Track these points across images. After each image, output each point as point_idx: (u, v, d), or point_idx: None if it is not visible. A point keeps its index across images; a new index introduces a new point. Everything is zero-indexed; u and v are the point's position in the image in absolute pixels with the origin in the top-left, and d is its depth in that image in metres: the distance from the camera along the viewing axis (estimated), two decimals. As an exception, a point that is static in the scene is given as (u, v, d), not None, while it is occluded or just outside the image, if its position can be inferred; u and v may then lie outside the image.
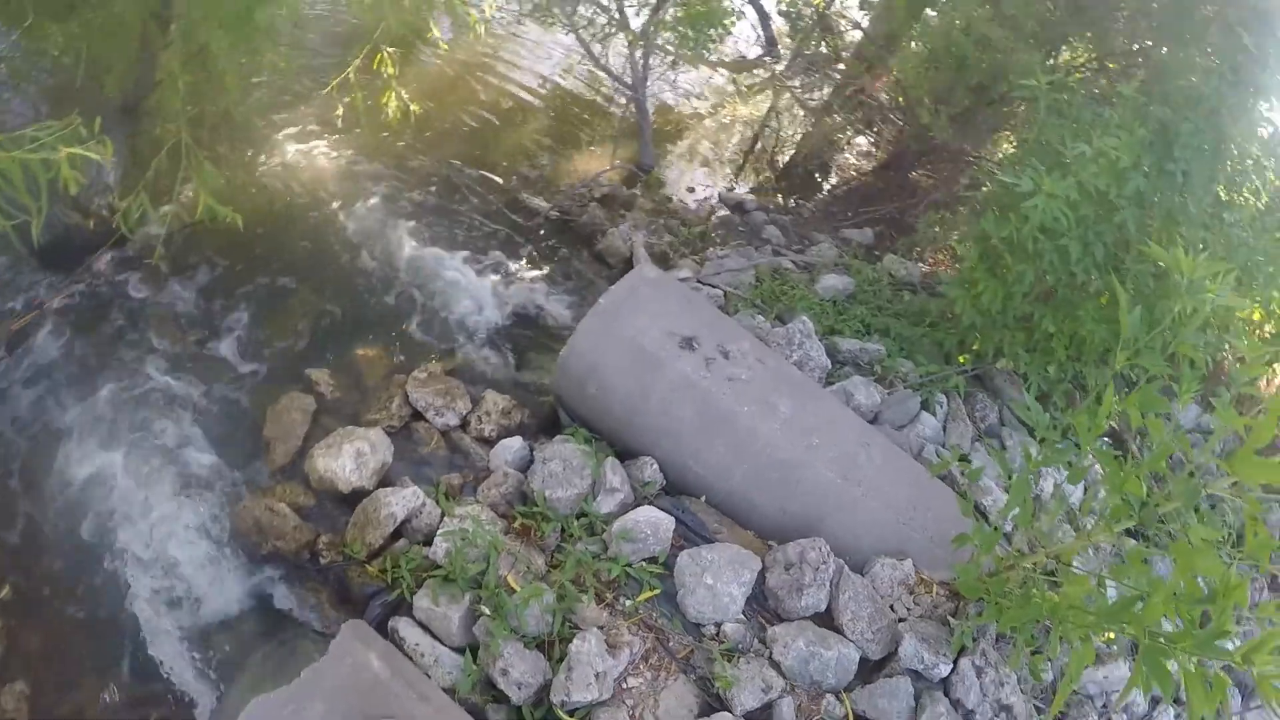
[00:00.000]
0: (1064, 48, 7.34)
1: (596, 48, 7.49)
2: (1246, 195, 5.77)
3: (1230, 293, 3.61)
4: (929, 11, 7.95)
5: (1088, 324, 4.96)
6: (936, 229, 7.09)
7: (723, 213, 7.50)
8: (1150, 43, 6.77)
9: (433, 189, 6.63)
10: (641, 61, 7.10)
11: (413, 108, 6.30)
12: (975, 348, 5.57)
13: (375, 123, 6.41)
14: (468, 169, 6.93)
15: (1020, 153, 6.11)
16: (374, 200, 6.32)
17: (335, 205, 6.23)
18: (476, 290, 5.84)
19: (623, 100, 7.76)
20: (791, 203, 8.34)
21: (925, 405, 5.35)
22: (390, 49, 6.02)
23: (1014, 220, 4.63)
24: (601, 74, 7.69)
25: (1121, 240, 4.84)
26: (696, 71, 10.11)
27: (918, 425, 5.18)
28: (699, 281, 6.04)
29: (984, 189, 6.92)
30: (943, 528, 4.31)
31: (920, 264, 7.41)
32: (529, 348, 5.59)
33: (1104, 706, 4.60)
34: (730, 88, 10.28)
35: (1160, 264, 4.77)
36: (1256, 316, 5.89)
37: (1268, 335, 5.98)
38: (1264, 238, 5.27)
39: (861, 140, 9.60)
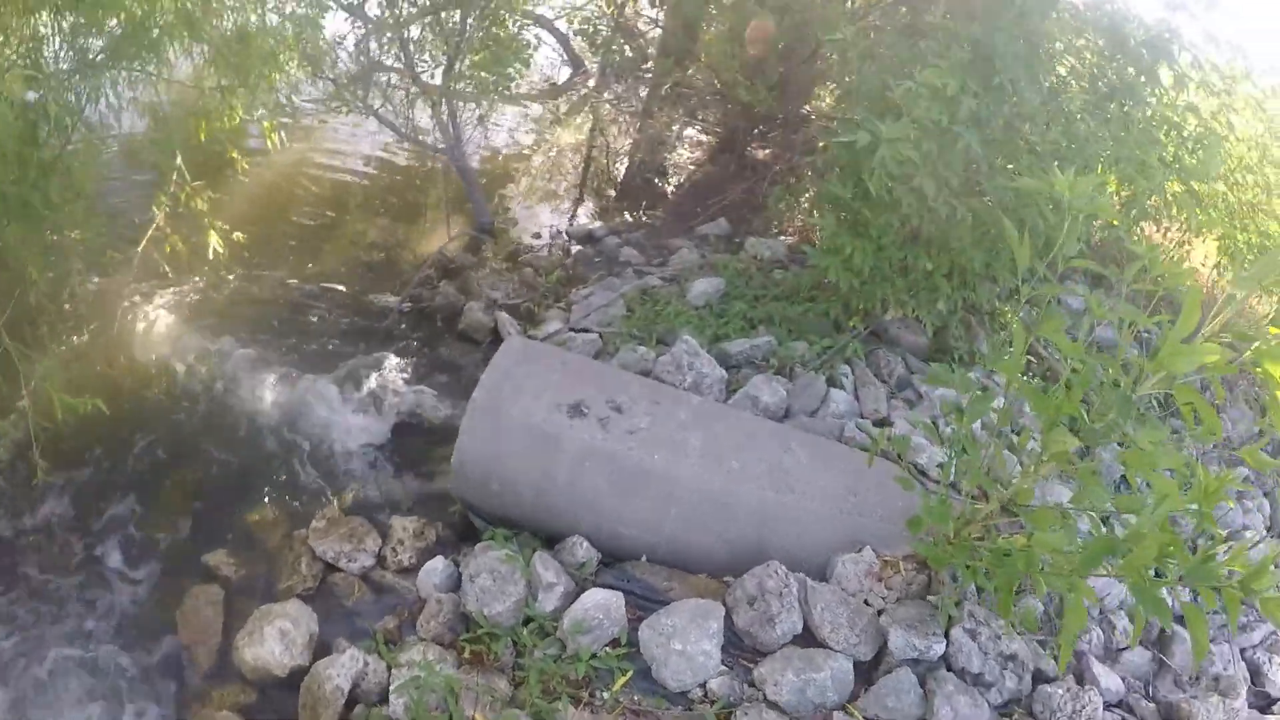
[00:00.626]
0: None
1: (400, 121, 7.19)
2: (1071, 82, 5.86)
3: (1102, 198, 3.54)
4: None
5: (965, 251, 4.94)
6: (785, 200, 7.02)
7: (575, 248, 7.27)
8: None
9: (278, 316, 6.21)
10: (449, 121, 6.81)
11: (236, 236, 5.94)
12: (861, 308, 5.48)
13: (203, 262, 6.03)
14: (307, 284, 6.53)
15: (845, 105, 6.08)
16: (222, 345, 5.88)
17: (184, 361, 5.78)
18: (348, 412, 5.48)
19: (443, 163, 7.44)
20: (640, 216, 8.18)
21: (831, 382, 5.23)
22: (196, 183, 5.67)
23: (865, 176, 4.54)
24: (416, 144, 7.34)
25: (970, 162, 4.82)
26: (511, 111, 9.90)
27: (830, 405, 5.06)
28: (571, 329, 5.81)
29: (821, 147, 6.90)
30: (889, 502, 4.19)
31: (782, 237, 7.34)
32: (421, 456, 5.26)
33: (1100, 612, 4.56)
34: (549, 117, 10.10)
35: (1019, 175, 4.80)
36: (1114, 187, 5.98)
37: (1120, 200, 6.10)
38: (1105, 124, 5.32)
39: (690, 132, 9.52)
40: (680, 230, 7.63)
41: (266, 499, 4.97)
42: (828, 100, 8.32)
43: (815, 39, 6.67)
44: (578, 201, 8.52)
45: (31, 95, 4.95)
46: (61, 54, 5.20)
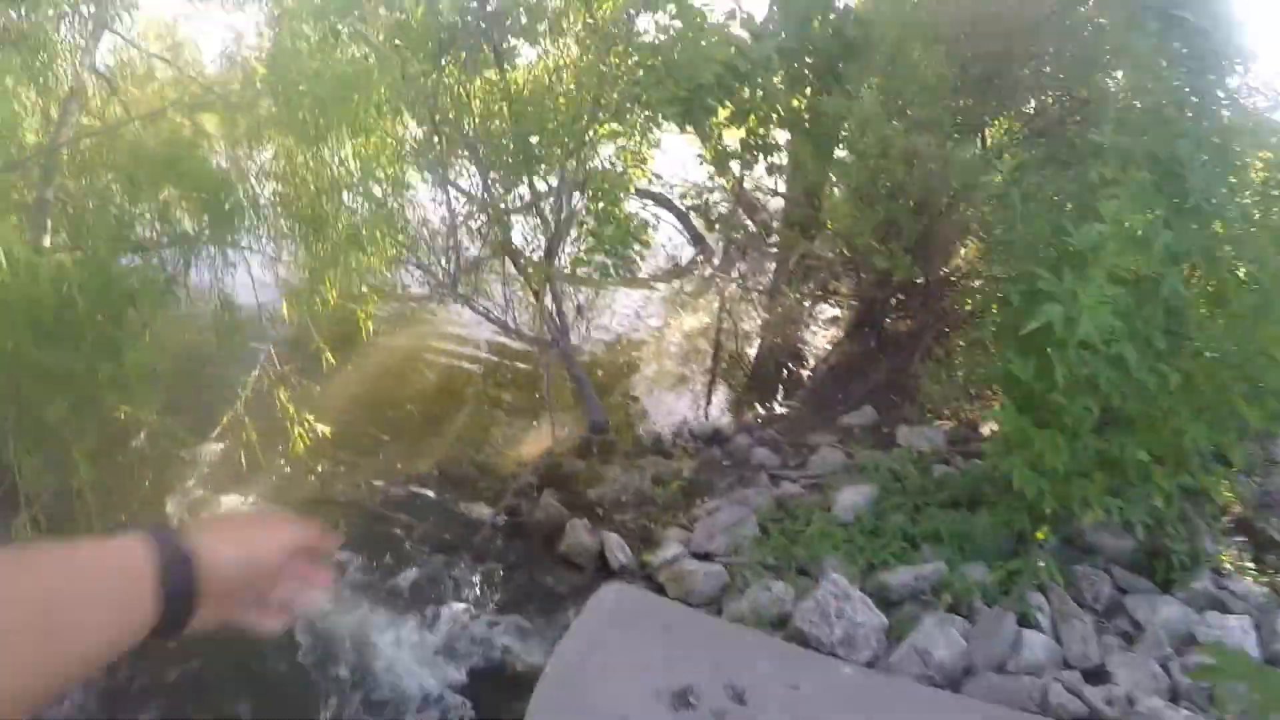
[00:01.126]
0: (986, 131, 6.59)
1: (500, 310, 6.62)
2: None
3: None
4: (839, 152, 7.24)
5: (1182, 428, 3.78)
6: (940, 380, 5.95)
7: (702, 450, 6.34)
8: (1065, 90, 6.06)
9: (356, 525, 5.44)
10: (554, 310, 6.16)
11: (322, 430, 5.39)
12: (1052, 513, 4.29)
13: (284, 457, 5.49)
14: (394, 488, 5.79)
15: (1003, 261, 5.13)
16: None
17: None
18: (424, 651, 4.57)
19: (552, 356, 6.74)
20: (775, 406, 7.25)
21: (1023, 619, 4.01)
22: (284, 368, 5.22)
23: (1051, 352, 3.51)
24: (519, 336, 6.68)
25: (1173, 311, 3.75)
26: (636, 294, 9.37)
27: (1023, 652, 3.82)
28: (693, 554, 4.83)
29: (975, 313, 5.88)
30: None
31: (939, 423, 6.24)
32: (500, 709, 4.24)
33: None
34: (674, 299, 9.50)
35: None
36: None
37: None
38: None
39: (823, 308, 8.68)
40: (820, 422, 6.65)
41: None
42: (969, 256, 7.35)
43: (951, 187, 5.81)
44: (708, 393, 7.67)
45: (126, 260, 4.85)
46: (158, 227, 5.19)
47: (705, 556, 4.80)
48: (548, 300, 6.17)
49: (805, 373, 7.84)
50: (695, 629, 3.39)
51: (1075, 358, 3.41)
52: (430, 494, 5.82)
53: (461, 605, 4.86)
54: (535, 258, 6.29)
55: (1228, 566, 4.48)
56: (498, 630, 4.69)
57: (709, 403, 7.51)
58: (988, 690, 3.65)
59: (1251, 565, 4.55)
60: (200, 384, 5.88)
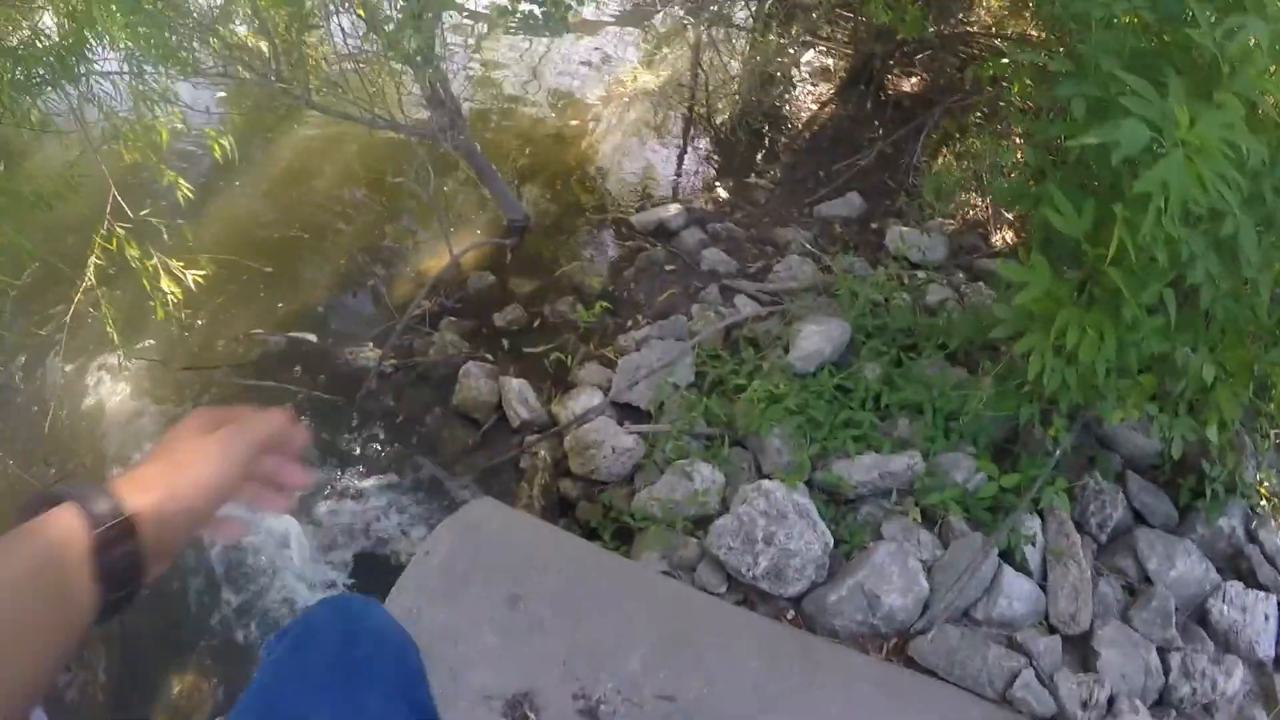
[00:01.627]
0: None
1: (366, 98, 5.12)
2: None
3: None
4: None
5: None
6: (945, 179, 4.63)
7: (643, 251, 5.14)
8: None
9: (231, 389, 4.44)
10: (439, 87, 4.71)
11: (193, 278, 4.32)
12: (1074, 406, 3.22)
13: (146, 321, 4.47)
14: (274, 335, 4.76)
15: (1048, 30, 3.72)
16: (144, 428, 4.33)
17: (112, 451, 4.27)
18: (286, 535, 3.80)
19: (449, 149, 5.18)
20: (749, 182, 5.90)
21: (1008, 553, 3.09)
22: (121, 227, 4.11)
23: (1131, 207, 2.22)
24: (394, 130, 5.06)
25: None
26: (584, 46, 7.75)
27: (999, 600, 2.92)
28: (613, 404, 3.87)
29: (1010, 106, 4.39)
30: None
31: (939, 221, 5.05)
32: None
33: None
34: (638, 47, 7.83)
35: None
36: None
37: None
38: None
39: (811, 56, 7.10)
40: (795, 210, 5.43)
41: (195, 663, 3.50)
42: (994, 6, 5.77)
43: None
44: (676, 167, 6.27)
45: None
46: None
47: (625, 408, 3.86)
48: (431, 79, 4.69)
49: (782, 140, 6.45)
50: (551, 582, 2.43)
51: (1158, 224, 2.12)
52: (312, 337, 4.74)
53: (336, 477, 4.01)
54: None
55: (1264, 504, 3.48)
56: (374, 507, 3.88)
57: (676, 178, 6.17)
58: (936, 652, 2.79)
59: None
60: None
